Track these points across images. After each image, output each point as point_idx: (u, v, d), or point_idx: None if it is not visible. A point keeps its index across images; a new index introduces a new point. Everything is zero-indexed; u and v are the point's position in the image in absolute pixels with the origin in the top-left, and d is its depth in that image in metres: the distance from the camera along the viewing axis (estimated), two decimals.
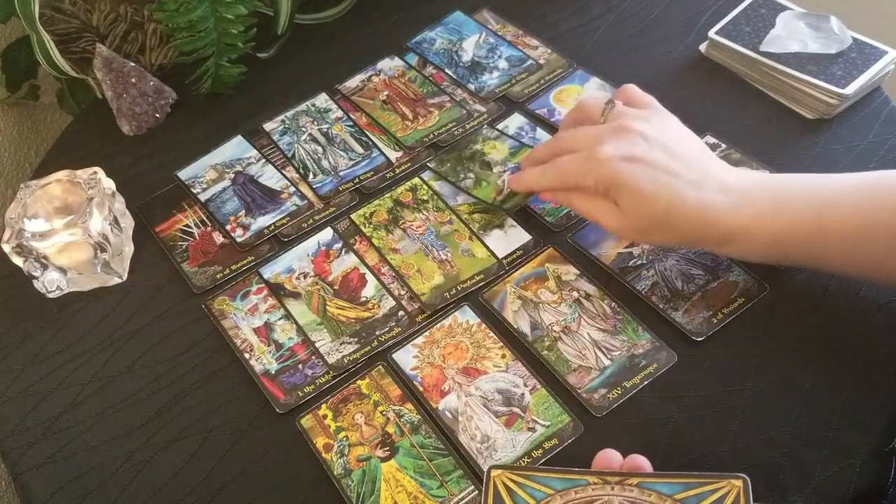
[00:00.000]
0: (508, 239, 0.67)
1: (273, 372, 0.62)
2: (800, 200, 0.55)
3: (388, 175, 0.74)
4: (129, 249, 0.71)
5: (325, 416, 0.59)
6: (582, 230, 0.67)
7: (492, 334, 0.62)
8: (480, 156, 0.73)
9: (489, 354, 0.61)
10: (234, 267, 0.70)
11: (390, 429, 0.58)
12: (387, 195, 0.72)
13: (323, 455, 0.57)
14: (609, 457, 0.47)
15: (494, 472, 0.44)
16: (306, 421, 0.59)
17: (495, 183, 0.70)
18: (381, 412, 0.59)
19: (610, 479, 0.43)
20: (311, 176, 0.75)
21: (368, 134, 0.77)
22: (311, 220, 0.72)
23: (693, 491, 0.41)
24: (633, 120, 0.57)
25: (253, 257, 0.70)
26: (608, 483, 0.43)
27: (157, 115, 0.83)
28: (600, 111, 0.61)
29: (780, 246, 0.55)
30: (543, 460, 0.55)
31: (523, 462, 0.55)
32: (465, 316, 0.63)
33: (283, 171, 0.76)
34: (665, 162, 0.55)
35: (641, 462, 0.46)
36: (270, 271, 0.69)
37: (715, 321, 0.60)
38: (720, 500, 0.41)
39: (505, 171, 0.71)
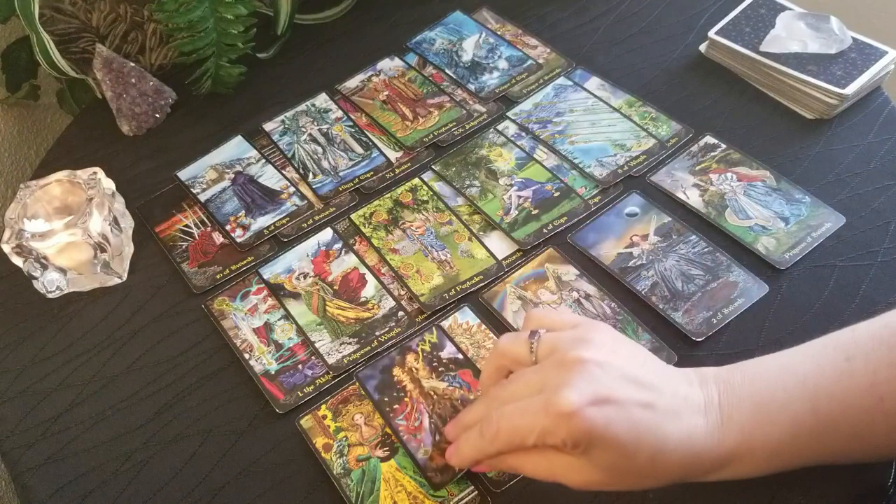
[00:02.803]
0: (508, 240, 0.67)
1: (273, 372, 0.62)
2: (784, 397, 0.46)
3: (387, 175, 0.74)
4: (129, 249, 0.71)
5: (324, 417, 0.59)
6: (582, 230, 0.67)
7: (492, 335, 0.62)
8: (486, 162, 0.73)
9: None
10: (233, 267, 0.70)
11: (390, 429, 0.58)
12: (387, 195, 0.72)
13: (322, 455, 0.57)
14: None
15: None
16: (306, 421, 0.59)
17: (501, 198, 0.70)
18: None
19: None
20: (310, 176, 0.75)
21: (368, 134, 0.77)
22: (310, 221, 0.72)
23: None
24: (574, 348, 0.46)
25: (253, 257, 0.70)
26: None
27: (157, 116, 0.83)
28: (526, 349, 0.49)
29: (780, 458, 0.46)
30: None
31: None
32: (465, 317, 0.63)
33: (283, 172, 0.76)
34: (635, 394, 0.45)
35: None
36: (270, 271, 0.69)
37: (715, 321, 0.60)
38: None
39: (511, 186, 0.70)
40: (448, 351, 0.61)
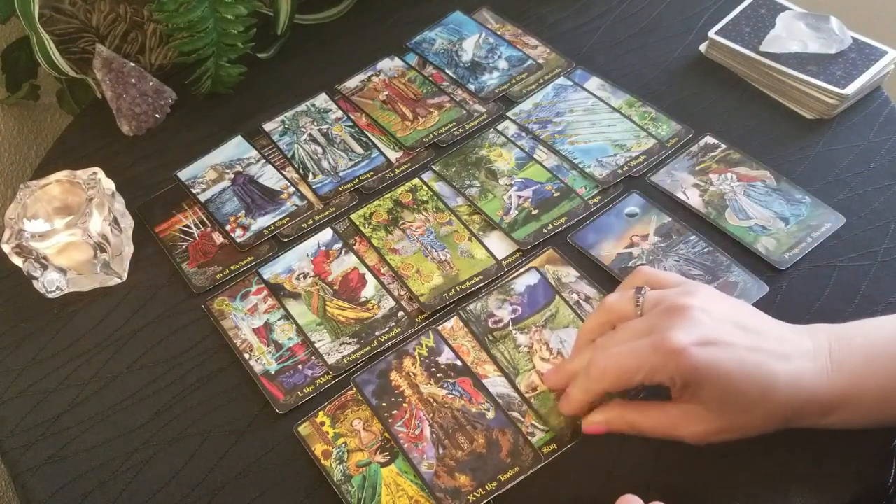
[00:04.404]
0: (508, 240, 0.67)
1: (273, 372, 0.62)
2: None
3: (387, 175, 0.74)
4: (129, 250, 0.71)
5: (322, 423, 0.59)
6: (582, 230, 0.67)
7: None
8: (486, 162, 0.73)
9: (490, 359, 0.61)
10: (233, 267, 0.70)
11: (389, 435, 0.58)
12: (386, 195, 0.72)
13: (322, 462, 0.57)
14: (629, 500, 0.46)
15: None
16: (304, 428, 0.59)
17: (501, 198, 0.70)
18: None
19: None
20: (310, 176, 0.75)
21: (368, 134, 0.77)
22: (310, 221, 0.72)
23: None
24: (681, 298, 0.48)
25: (253, 258, 0.70)
26: None
27: (157, 116, 0.83)
28: (633, 304, 0.51)
29: (891, 406, 0.48)
30: (542, 463, 0.55)
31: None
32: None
33: (283, 172, 0.76)
34: (742, 337, 0.47)
35: None
36: (270, 272, 0.69)
37: None
38: None
39: (511, 186, 0.70)
40: (446, 356, 0.61)
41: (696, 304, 0.47)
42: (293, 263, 0.69)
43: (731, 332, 0.47)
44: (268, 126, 0.80)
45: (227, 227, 0.72)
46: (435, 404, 0.58)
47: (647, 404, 0.50)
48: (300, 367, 0.63)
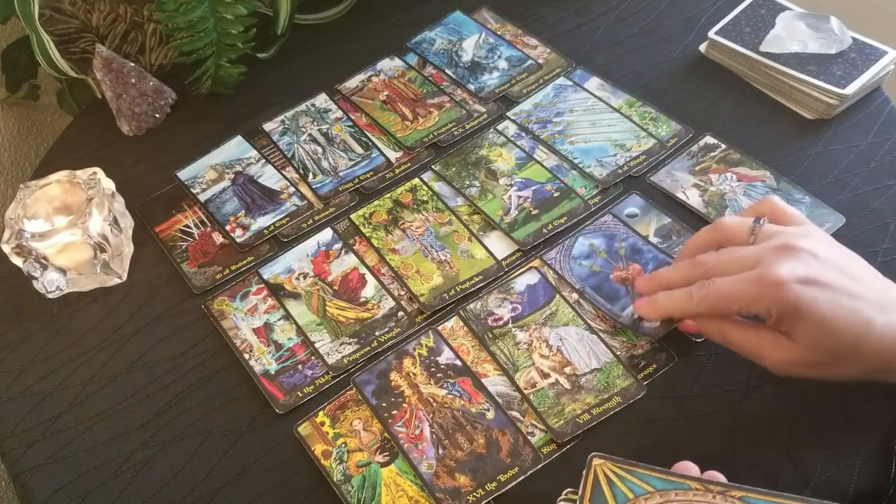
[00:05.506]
0: (507, 240, 0.67)
1: (273, 372, 0.62)
2: None
3: (387, 175, 0.74)
4: (129, 250, 0.71)
5: (322, 423, 0.59)
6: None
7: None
8: (486, 162, 0.73)
9: (490, 358, 0.61)
10: (233, 267, 0.70)
11: (389, 436, 0.58)
12: (386, 196, 0.72)
13: (322, 462, 0.57)
14: (687, 467, 0.47)
15: (596, 462, 0.44)
16: (304, 428, 0.59)
17: (501, 198, 0.70)
18: None
19: (713, 487, 0.42)
20: (310, 176, 0.75)
21: (368, 134, 0.77)
22: (310, 221, 0.72)
23: None
24: (795, 238, 0.50)
25: (252, 258, 0.70)
26: (710, 491, 0.42)
27: (157, 116, 0.83)
28: (747, 231, 0.53)
29: None
30: (542, 463, 0.55)
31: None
32: None
33: (283, 172, 0.76)
34: (845, 284, 0.48)
35: (720, 477, 0.45)
36: (270, 272, 0.69)
37: None
38: None
39: (511, 186, 0.70)
40: (446, 356, 0.61)
41: (807, 247, 0.50)
42: (293, 263, 0.69)
43: (835, 277, 0.49)
44: (268, 126, 0.80)
45: (227, 227, 0.72)
46: (435, 404, 0.58)
47: (743, 321, 0.52)
48: (300, 367, 0.63)
